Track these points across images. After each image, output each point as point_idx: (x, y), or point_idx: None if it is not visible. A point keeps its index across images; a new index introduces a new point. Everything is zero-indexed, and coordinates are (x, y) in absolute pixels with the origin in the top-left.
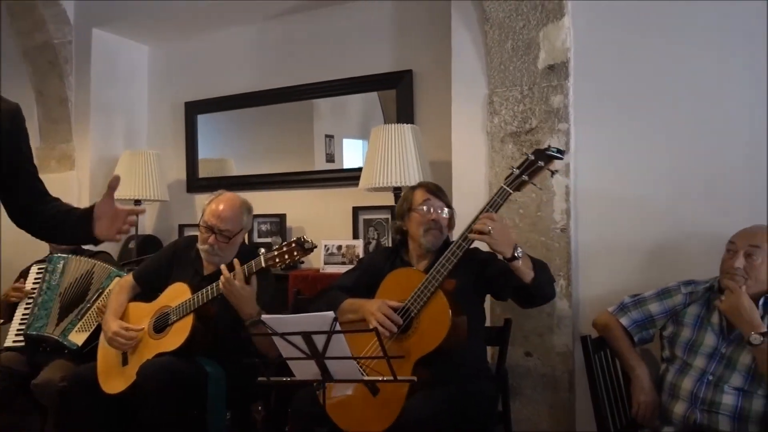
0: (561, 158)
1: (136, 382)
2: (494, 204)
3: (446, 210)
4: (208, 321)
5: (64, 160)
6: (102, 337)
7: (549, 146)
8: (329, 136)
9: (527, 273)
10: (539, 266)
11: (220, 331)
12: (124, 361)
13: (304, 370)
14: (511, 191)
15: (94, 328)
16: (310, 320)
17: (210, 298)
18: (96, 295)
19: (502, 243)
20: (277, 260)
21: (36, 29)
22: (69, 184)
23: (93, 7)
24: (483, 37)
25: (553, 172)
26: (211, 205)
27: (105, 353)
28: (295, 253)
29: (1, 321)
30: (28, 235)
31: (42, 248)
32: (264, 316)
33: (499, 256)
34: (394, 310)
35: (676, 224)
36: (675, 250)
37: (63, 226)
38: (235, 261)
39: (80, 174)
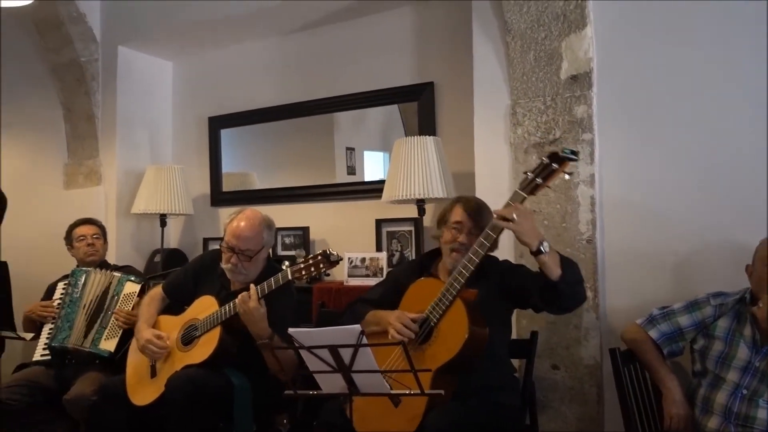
0: (576, 160)
1: (164, 394)
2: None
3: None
4: (235, 334)
5: (92, 176)
6: (132, 347)
7: (563, 149)
8: (350, 149)
9: (554, 270)
10: (567, 264)
11: (247, 344)
12: (153, 373)
13: (331, 384)
14: (525, 195)
15: (120, 333)
16: (336, 334)
17: (236, 311)
18: (111, 302)
19: (528, 232)
20: (303, 273)
21: (63, 47)
22: (96, 199)
23: (118, 25)
24: (505, 48)
25: (568, 174)
26: (232, 224)
27: (135, 365)
28: (321, 266)
29: (32, 336)
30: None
31: (70, 263)
32: (291, 330)
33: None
34: (414, 321)
35: (704, 234)
36: (702, 261)
37: None
38: (251, 285)
39: (107, 189)
